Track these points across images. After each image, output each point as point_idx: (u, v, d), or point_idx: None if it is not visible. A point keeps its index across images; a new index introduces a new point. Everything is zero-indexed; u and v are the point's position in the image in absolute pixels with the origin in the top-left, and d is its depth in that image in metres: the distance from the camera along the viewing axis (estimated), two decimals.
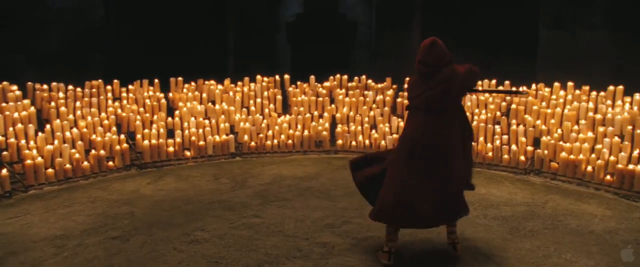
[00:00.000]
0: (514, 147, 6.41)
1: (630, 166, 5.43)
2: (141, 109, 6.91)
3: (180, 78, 7.44)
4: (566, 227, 4.63)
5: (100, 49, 8.47)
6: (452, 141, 3.76)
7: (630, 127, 5.81)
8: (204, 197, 5.45)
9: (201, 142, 6.81)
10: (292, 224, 4.69)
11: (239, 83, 7.78)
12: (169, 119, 6.94)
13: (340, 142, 7.32)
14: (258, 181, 5.97)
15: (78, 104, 6.54)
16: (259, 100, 7.56)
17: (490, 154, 6.53)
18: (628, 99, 6.31)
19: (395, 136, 7.08)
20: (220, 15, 9.47)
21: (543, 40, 8.81)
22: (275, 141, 7.16)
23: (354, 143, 7.28)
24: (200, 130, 6.93)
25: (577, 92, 6.69)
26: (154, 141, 6.54)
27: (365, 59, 10.82)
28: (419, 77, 3.83)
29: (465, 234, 4.42)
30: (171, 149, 6.64)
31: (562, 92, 6.80)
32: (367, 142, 7.23)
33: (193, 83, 7.51)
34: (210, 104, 7.31)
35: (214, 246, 4.26)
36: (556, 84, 6.91)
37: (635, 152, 5.57)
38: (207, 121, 7.09)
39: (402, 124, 7.21)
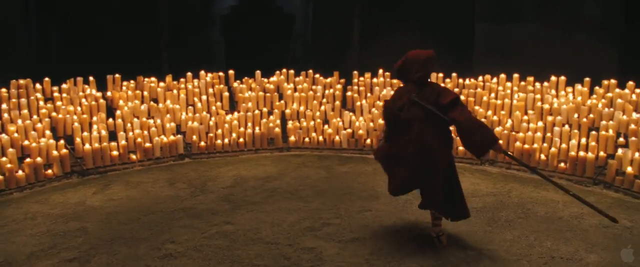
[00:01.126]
0: None
1: (582, 153, 5.71)
2: (78, 110, 6.26)
3: (117, 75, 6.83)
4: (536, 215, 4.76)
5: (22, 44, 7.59)
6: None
7: (576, 116, 6.11)
8: (163, 205, 5.03)
9: (148, 144, 6.30)
10: (269, 230, 4.43)
11: (182, 80, 7.31)
12: (110, 120, 6.35)
13: (292, 139, 7.10)
14: (218, 184, 5.61)
15: (4, 106, 5.79)
16: (204, 97, 7.14)
17: None
18: (570, 89, 6.65)
19: (349, 130, 6.98)
20: (152, 8, 8.84)
21: (479, 32, 9.12)
22: (226, 140, 6.79)
23: (307, 139, 7.09)
24: (145, 132, 6.41)
25: (522, 83, 6.96)
26: (96, 145, 5.95)
27: (301, 53, 10.62)
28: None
29: (447, 227, 4.40)
30: (115, 152, 6.07)
31: (508, 84, 7.04)
32: (320, 138, 7.07)
33: (132, 81, 6.93)
34: (152, 102, 6.79)
35: (192, 259, 3.91)
36: (502, 75, 7.15)
37: (583, 140, 5.87)
38: (151, 121, 6.57)
39: (354, 118, 7.13)
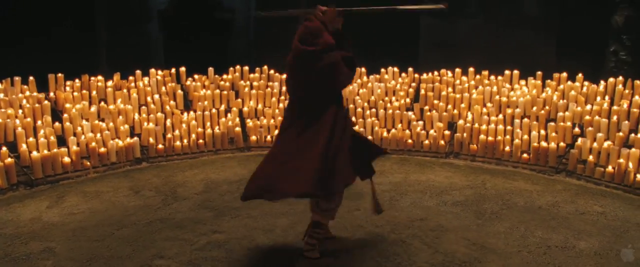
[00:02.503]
0: (432, 132, 6.63)
1: (544, 144, 5.98)
2: (20, 113, 5.58)
3: (60, 74, 6.19)
4: (517, 205, 4.91)
5: None
6: None
7: (534, 108, 6.39)
8: (135, 217, 4.61)
9: (102, 149, 5.76)
10: (264, 236, 4.20)
11: (131, 78, 6.77)
12: (56, 123, 5.74)
13: (254, 138, 6.82)
14: (189, 190, 5.25)
15: None
16: (157, 96, 6.67)
17: (410, 141, 6.66)
18: (523, 81, 6.95)
19: None
20: (88, 3, 8.11)
21: (423, 27, 9.31)
22: (185, 141, 6.39)
23: (269, 138, 6.85)
24: (98, 135, 5.86)
25: (478, 76, 7.17)
26: (45, 152, 5.34)
27: (242, 49, 10.27)
28: None
29: (441, 223, 4.42)
30: (67, 159, 5.49)
31: (464, 78, 7.23)
32: None
33: (77, 80, 6.31)
34: (103, 103, 6.23)
35: None
36: (457, 69, 7.32)
37: (542, 131, 6.15)
38: (103, 124, 6.02)
39: None
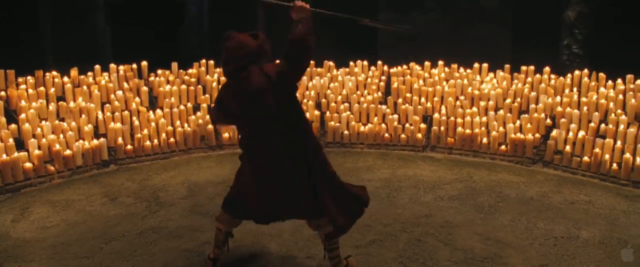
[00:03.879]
0: (408, 126, 6.60)
1: (520, 135, 6.12)
2: None
3: (10, 70, 5.53)
4: (510, 197, 4.98)
5: None
6: None
7: (508, 100, 6.54)
8: (121, 227, 4.20)
9: (67, 151, 5.21)
10: (273, 242, 3.96)
11: (89, 73, 6.20)
12: (12, 125, 5.12)
13: (226, 135, 6.49)
14: (173, 195, 4.88)
15: None
16: (120, 93, 6.15)
17: (387, 135, 6.60)
18: (492, 74, 7.09)
19: None
20: None
21: (383, 21, 9.29)
22: (155, 141, 5.94)
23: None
24: (61, 136, 5.30)
25: (447, 69, 7.24)
26: (4, 157, 4.74)
27: (195, 42, 9.78)
28: None
29: (447, 219, 4.38)
30: (29, 164, 4.91)
31: (434, 71, 7.27)
32: None
33: (30, 77, 5.68)
34: (62, 102, 5.65)
35: None
36: (427, 62, 7.35)
37: (518, 123, 6.30)
38: (65, 124, 5.46)
39: None
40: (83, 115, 5.62)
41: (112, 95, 6.05)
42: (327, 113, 6.77)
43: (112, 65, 6.31)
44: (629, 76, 6.27)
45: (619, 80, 6.33)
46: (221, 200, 4.63)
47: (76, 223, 4.28)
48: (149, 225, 4.22)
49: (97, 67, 6.24)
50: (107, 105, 5.93)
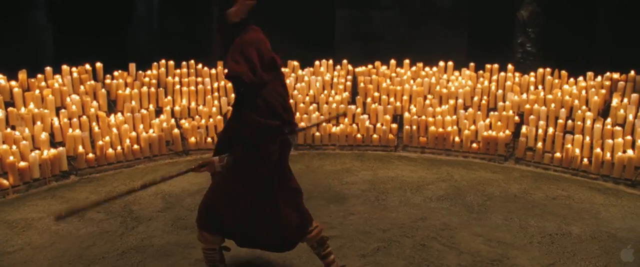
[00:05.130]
0: (379, 126, 6.51)
1: (492, 133, 6.20)
2: None
3: None
4: (494, 195, 4.99)
5: None
6: None
7: (476, 98, 6.61)
8: (99, 248, 3.80)
9: (22, 163, 4.67)
10: (274, 253, 3.70)
11: (39, 76, 5.63)
12: None
13: (193, 140, 6.12)
14: (149, 208, 4.50)
15: None
16: (76, 97, 5.63)
17: (359, 135, 6.49)
18: (457, 73, 7.16)
19: None
20: None
21: (339, 20, 9.20)
22: (118, 148, 5.49)
23: (209, 139, 6.19)
24: (13, 147, 4.75)
25: (413, 68, 7.23)
26: None
27: (145, 40, 9.23)
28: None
29: (443, 221, 4.31)
30: None
31: (400, 70, 7.23)
32: None
33: None
34: (11, 107, 5.08)
35: None
36: (392, 61, 7.31)
37: (487, 120, 6.38)
38: (18, 133, 4.90)
39: None
40: (38, 123, 5.07)
41: (68, 100, 5.52)
42: (297, 114, 6.55)
43: (65, 67, 5.78)
44: (590, 73, 6.52)
45: (581, 78, 6.56)
46: None
47: (43, 246, 3.81)
48: (130, 244, 3.84)
49: (48, 69, 5.67)
50: (63, 110, 5.40)
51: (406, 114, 6.60)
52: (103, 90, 5.85)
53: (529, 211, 4.62)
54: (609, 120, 5.87)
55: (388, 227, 4.17)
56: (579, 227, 4.33)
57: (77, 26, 7.81)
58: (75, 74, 5.78)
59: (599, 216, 4.57)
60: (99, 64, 6.12)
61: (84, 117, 5.46)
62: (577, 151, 5.69)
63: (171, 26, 8.82)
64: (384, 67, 7.31)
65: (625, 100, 6.03)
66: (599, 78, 6.42)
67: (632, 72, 6.22)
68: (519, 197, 4.96)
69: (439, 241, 3.96)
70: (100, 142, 5.31)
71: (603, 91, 6.21)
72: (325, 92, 6.99)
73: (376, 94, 6.92)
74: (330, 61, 7.37)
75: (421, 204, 4.70)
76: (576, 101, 6.23)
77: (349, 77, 7.26)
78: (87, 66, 6.01)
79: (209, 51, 8.22)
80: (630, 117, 5.78)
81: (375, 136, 6.48)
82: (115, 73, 6.19)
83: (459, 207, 4.66)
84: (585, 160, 5.62)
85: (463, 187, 5.17)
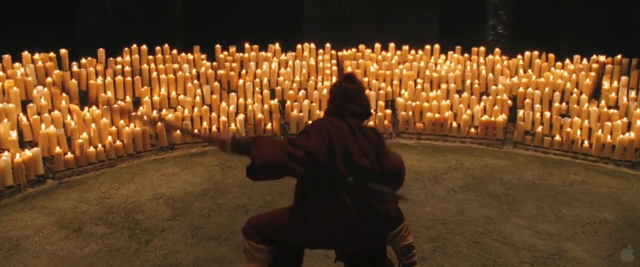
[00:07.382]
0: (374, 112, 6.20)
1: (489, 117, 6.07)
2: None
3: None
4: (513, 183, 4.86)
5: None
6: None
7: (468, 82, 6.46)
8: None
9: None
10: (324, 264, 3.30)
11: None
12: None
13: (178, 132, 5.51)
14: (155, 217, 3.92)
15: None
16: (43, 88, 4.85)
17: None
18: (443, 56, 6.98)
19: (242, 116, 5.81)
20: None
21: (309, 3, 8.78)
22: (100, 146, 4.80)
23: (196, 130, 5.60)
24: None
25: (398, 52, 6.97)
26: None
27: (98, 25, 8.30)
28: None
29: (482, 214, 4.10)
30: None
31: (387, 54, 6.95)
32: (214, 127, 5.69)
33: None
34: None
35: None
36: (377, 44, 7.01)
37: (482, 105, 6.25)
38: None
39: (242, 100, 5.96)
40: (6, 120, 4.28)
41: (34, 92, 4.73)
42: (288, 102, 6.10)
43: (26, 54, 4.95)
44: (576, 56, 6.57)
45: (567, 61, 6.59)
46: (219, 216, 3.87)
47: (39, 265, 3.18)
48: (152, 263, 3.29)
49: (7, 57, 4.83)
50: (30, 105, 4.62)
51: (399, 99, 6.33)
52: (73, 80, 5.08)
53: (555, 199, 4.51)
54: (603, 102, 5.92)
55: (428, 223, 3.90)
56: (610, 213, 4.28)
57: (22, 9, 6.85)
58: (39, 63, 4.97)
59: (621, 200, 4.56)
60: (63, 51, 5.32)
61: (56, 111, 4.70)
62: (578, 133, 5.68)
63: (125, 8, 7.97)
64: (369, 51, 6.99)
65: (615, 83, 6.11)
66: (585, 61, 6.48)
67: (619, 56, 6.33)
68: (537, 184, 4.86)
69: (490, 236, 3.74)
70: (79, 140, 4.59)
71: (592, 74, 6.26)
72: (313, 78, 6.58)
73: (365, 79, 6.60)
74: (312, 45, 6.95)
75: (447, 196, 4.47)
76: (568, 84, 6.24)
77: (333, 61, 6.88)
78: (51, 53, 5.20)
79: (172, 36, 7.50)
80: (625, 99, 5.86)
81: (371, 123, 6.16)
82: (83, 60, 5.42)
83: (487, 198, 4.48)
84: (585, 143, 5.63)
85: (479, 176, 4.99)
